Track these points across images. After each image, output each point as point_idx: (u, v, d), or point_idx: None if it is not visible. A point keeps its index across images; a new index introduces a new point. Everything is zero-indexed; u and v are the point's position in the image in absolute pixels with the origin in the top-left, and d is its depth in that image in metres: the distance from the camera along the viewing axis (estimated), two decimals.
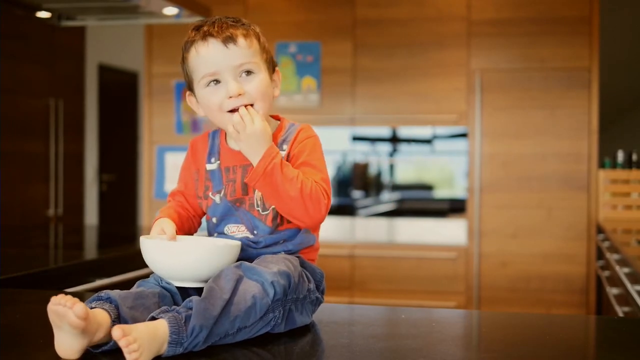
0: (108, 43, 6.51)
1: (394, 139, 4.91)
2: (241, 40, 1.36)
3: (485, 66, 4.65)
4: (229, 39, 1.35)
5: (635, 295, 2.38)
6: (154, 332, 1.10)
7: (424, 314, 1.51)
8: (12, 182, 5.21)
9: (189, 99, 1.45)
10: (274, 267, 1.26)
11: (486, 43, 4.66)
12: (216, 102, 1.37)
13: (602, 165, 4.65)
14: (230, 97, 1.35)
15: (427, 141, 4.85)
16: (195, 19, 3.48)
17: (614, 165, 4.62)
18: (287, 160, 1.38)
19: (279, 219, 1.39)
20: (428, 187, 4.95)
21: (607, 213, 4.47)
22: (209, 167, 1.44)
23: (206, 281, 1.27)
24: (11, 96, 5.22)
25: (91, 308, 1.15)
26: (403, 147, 4.93)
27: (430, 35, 4.72)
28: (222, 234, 1.42)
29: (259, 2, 4.92)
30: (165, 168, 5.06)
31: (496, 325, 1.50)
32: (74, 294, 1.28)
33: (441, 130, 4.80)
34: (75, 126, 5.98)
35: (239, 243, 1.32)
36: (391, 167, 4.99)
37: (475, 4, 4.67)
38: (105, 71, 6.57)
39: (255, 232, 1.39)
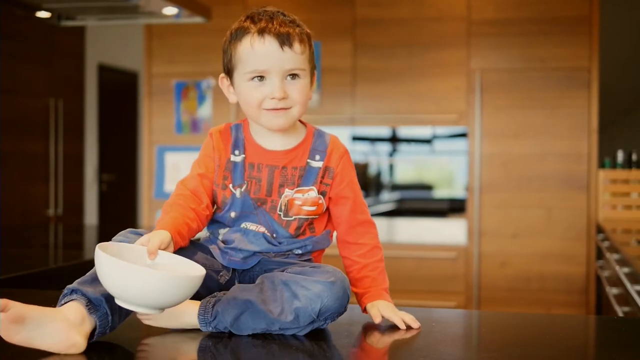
0: (108, 43, 6.51)
1: (394, 139, 4.91)
2: (296, 45, 1.37)
3: (485, 66, 4.65)
4: (286, 41, 1.35)
5: (635, 295, 2.38)
6: (179, 308, 1.30)
7: (424, 314, 1.51)
8: (12, 182, 5.21)
9: (222, 81, 1.44)
10: (323, 277, 1.30)
11: (486, 43, 4.66)
12: (258, 98, 1.37)
13: (602, 165, 4.65)
14: (273, 98, 1.36)
15: (427, 141, 4.85)
16: (195, 19, 3.48)
17: (614, 165, 4.62)
18: (325, 174, 1.42)
19: (302, 229, 1.42)
20: (428, 187, 4.95)
21: (606, 213, 4.47)
22: (232, 158, 1.42)
23: (154, 308, 1.19)
24: (11, 96, 5.22)
25: (61, 305, 1.20)
26: (403, 147, 4.93)
27: (430, 35, 4.72)
28: (239, 230, 1.41)
29: (259, 2, 4.91)
30: (165, 168, 5.06)
31: (496, 325, 1.50)
32: None
33: (441, 130, 4.80)
34: (75, 126, 5.98)
35: (201, 274, 1.21)
36: (391, 167, 5.00)
37: (475, 4, 4.67)
38: (105, 71, 6.57)
39: (274, 235, 1.40)
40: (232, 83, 1.42)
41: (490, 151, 4.65)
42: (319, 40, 4.86)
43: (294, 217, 1.40)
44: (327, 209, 1.45)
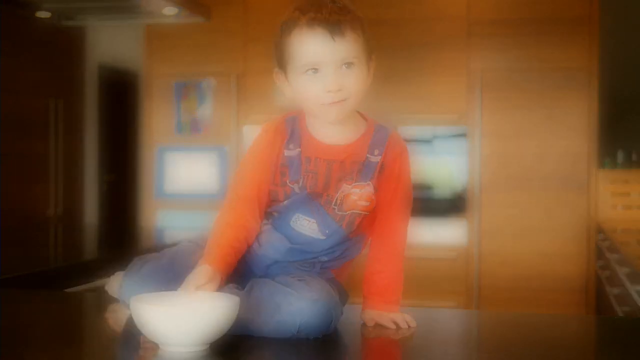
0: (108, 43, 6.50)
1: None
2: (349, 33, 1.33)
3: (485, 66, 4.65)
4: (337, 30, 1.31)
5: (634, 295, 2.38)
6: None
7: (424, 314, 1.51)
8: (12, 182, 5.20)
9: (277, 77, 1.40)
10: (307, 295, 1.26)
11: (486, 43, 4.65)
12: (314, 92, 1.32)
13: (601, 165, 4.65)
14: (329, 91, 1.31)
15: (427, 141, 4.84)
16: (195, 19, 3.48)
17: (614, 165, 4.61)
18: (381, 170, 1.38)
19: (353, 226, 1.39)
20: (428, 187, 4.94)
21: (606, 213, 4.46)
22: (287, 152, 1.38)
23: (193, 345, 1.18)
24: (11, 96, 5.21)
25: None
26: None
27: (430, 35, 4.72)
28: (287, 225, 1.38)
29: (259, 2, 4.91)
30: (165, 168, 5.05)
31: (496, 325, 1.50)
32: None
33: (441, 130, 4.79)
34: (75, 126, 5.97)
35: (235, 302, 1.20)
36: None
37: (475, 4, 4.67)
38: (105, 71, 6.56)
39: (327, 231, 1.37)
40: (287, 78, 1.37)
41: (490, 151, 4.64)
42: None
43: (348, 211, 1.37)
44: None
